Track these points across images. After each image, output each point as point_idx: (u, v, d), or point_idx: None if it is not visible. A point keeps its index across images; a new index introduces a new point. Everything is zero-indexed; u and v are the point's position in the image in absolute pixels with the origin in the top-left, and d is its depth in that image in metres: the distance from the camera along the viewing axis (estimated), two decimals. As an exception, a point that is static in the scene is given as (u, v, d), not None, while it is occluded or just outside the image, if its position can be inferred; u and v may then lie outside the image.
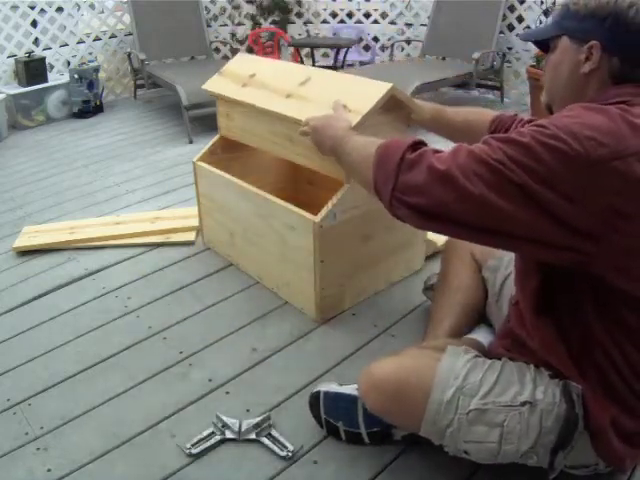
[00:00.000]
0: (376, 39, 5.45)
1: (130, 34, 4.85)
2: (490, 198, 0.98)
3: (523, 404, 1.13)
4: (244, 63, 2.27)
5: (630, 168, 0.95)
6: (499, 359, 1.24)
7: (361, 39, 5.48)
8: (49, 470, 1.40)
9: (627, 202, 0.96)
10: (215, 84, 2.24)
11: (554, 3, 4.19)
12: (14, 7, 4.40)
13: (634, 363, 1.10)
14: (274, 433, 1.47)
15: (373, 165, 1.16)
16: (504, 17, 4.56)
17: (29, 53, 4.40)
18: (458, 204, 1.00)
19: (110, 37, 4.95)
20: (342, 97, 1.74)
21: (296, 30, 5.56)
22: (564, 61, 1.15)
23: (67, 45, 4.76)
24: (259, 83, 2.07)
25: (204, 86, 2.27)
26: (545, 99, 1.24)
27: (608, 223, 0.96)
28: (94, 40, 4.88)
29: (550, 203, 0.96)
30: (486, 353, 1.32)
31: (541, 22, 4.49)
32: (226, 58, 5.28)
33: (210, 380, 1.69)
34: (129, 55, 4.80)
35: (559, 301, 1.12)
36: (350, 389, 1.44)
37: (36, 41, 4.62)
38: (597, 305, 1.08)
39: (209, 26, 5.22)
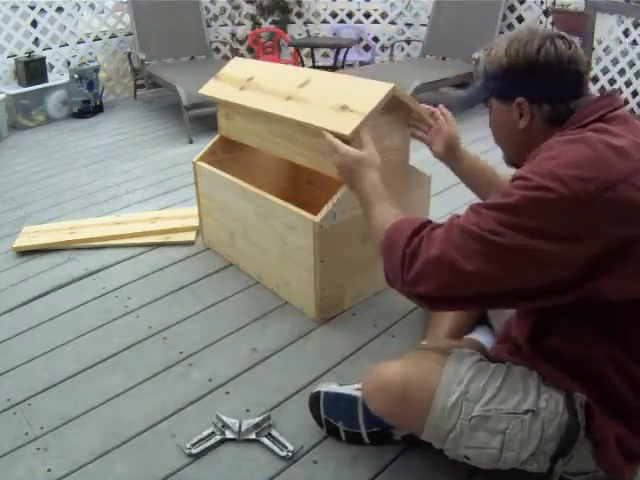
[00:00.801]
0: (376, 39, 5.46)
1: (130, 34, 4.85)
2: (489, 270, 1.00)
3: (526, 412, 1.12)
4: (240, 67, 2.27)
5: (622, 195, 0.96)
6: (503, 363, 1.23)
7: (361, 39, 5.48)
8: (49, 470, 1.40)
9: (628, 227, 0.96)
10: (212, 88, 2.24)
11: (554, 3, 4.19)
12: (14, 7, 4.41)
13: (636, 382, 1.09)
14: (274, 433, 1.47)
15: (381, 251, 1.20)
16: (504, 17, 4.57)
17: (29, 53, 4.41)
18: (461, 284, 1.03)
19: (110, 37, 4.96)
20: (343, 98, 1.74)
21: (296, 30, 5.56)
22: (500, 122, 1.19)
23: (67, 45, 4.76)
24: (258, 86, 2.07)
25: (201, 90, 2.27)
26: (505, 158, 1.28)
27: (614, 252, 0.96)
28: (94, 40, 4.88)
29: (548, 253, 0.97)
30: (488, 355, 1.32)
31: (541, 22, 4.50)
32: (226, 58, 5.27)
33: (210, 380, 1.69)
34: (129, 55, 4.80)
35: (557, 332, 1.14)
36: (350, 389, 1.44)
37: (36, 41, 4.62)
38: (595, 328, 1.08)
39: (209, 26, 5.22)
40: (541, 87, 1.10)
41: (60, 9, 4.66)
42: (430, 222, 1.16)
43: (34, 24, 4.58)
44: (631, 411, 1.11)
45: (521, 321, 1.24)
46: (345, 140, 1.59)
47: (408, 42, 5.24)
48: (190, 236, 2.51)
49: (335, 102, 1.75)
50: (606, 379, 1.10)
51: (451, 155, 1.63)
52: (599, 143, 1.00)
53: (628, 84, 4.09)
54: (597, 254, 0.96)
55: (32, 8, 4.49)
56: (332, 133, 1.60)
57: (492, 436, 1.14)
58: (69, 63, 4.76)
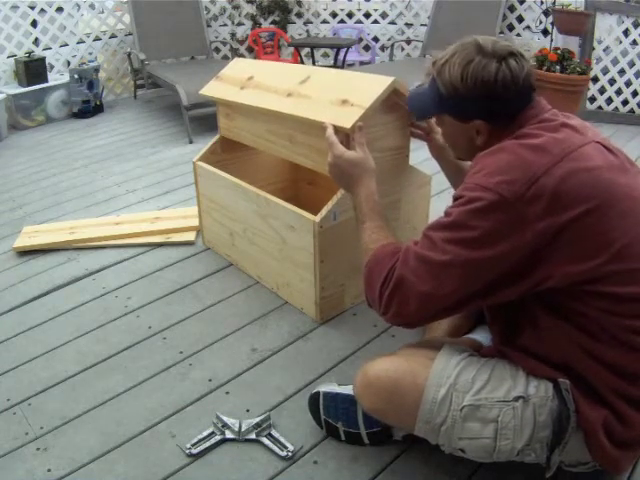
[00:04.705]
0: (376, 39, 5.46)
1: (130, 34, 4.86)
2: (442, 285, 1.10)
3: (516, 399, 1.13)
4: (241, 67, 2.28)
5: (546, 187, 1.03)
6: (493, 357, 1.24)
7: (361, 39, 5.48)
8: (49, 470, 1.40)
9: (557, 216, 1.03)
10: (213, 89, 2.24)
11: (554, 3, 4.19)
12: (14, 7, 4.41)
13: (609, 363, 1.10)
14: (274, 433, 1.47)
15: (363, 279, 1.30)
16: (504, 17, 4.57)
17: (29, 53, 4.41)
18: (423, 303, 1.13)
19: (110, 37, 4.96)
20: (343, 92, 1.74)
21: (296, 30, 5.57)
22: (458, 136, 1.28)
23: (67, 45, 4.76)
24: (258, 84, 2.07)
25: (202, 91, 2.27)
26: (454, 156, 1.42)
27: (549, 241, 1.04)
28: (94, 40, 4.89)
29: (492, 257, 1.06)
30: (481, 353, 1.32)
31: (541, 22, 4.50)
32: (226, 58, 5.28)
33: (210, 380, 1.69)
34: (129, 55, 4.81)
35: (523, 330, 1.17)
36: (349, 389, 1.43)
37: (36, 41, 4.62)
38: (552, 317, 1.11)
39: (209, 26, 5.22)
40: (499, 108, 1.18)
41: (60, 9, 4.66)
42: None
43: (34, 24, 4.59)
44: (612, 393, 1.11)
45: (492, 329, 1.29)
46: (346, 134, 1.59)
47: (408, 42, 5.24)
48: (190, 236, 2.51)
49: (335, 97, 1.75)
50: (580, 364, 1.12)
51: (445, 156, 1.66)
52: (517, 147, 1.10)
53: (628, 84, 4.09)
54: (535, 246, 1.04)
55: (32, 8, 4.49)
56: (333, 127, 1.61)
57: (484, 425, 1.15)
58: (69, 63, 4.77)
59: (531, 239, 1.03)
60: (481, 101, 1.17)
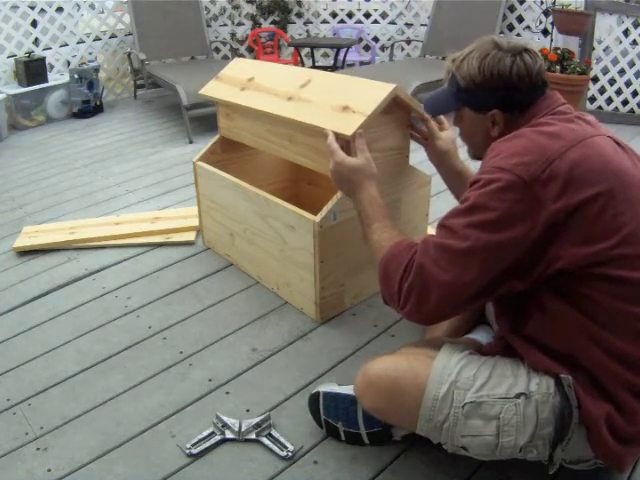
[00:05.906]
0: (376, 39, 5.46)
1: (130, 34, 4.86)
2: (465, 272, 1.11)
3: (518, 396, 1.14)
4: (241, 67, 2.27)
5: (559, 170, 1.07)
6: (494, 355, 1.24)
7: (361, 39, 5.48)
8: (49, 470, 1.40)
9: (569, 197, 1.06)
10: (213, 89, 2.24)
11: (554, 3, 4.19)
12: (14, 7, 4.41)
13: (615, 352, 1.10)
14: (274, 433, 1.47)
15: (379, 278, 1.29)
16: (504, 17, 4.57)
17: (29, 53, 4.40)
18: (446, 294, 1.13)
19: (110, 37, 4.96)
20: (345, 98, 1.74)
21: (296, 30, 5.57)
22: (475, 129, 1.32)
23: (67, 45, 4.76)
24: (259, 86, 2.07)
25: (202, 91, 2.27)
26: (471, 154, 1.41)
27: (561, 222, 1.06)
28: (94, 40, 4.89)
29: (511, 238, 1.08)
30: (481, 351, 1.32)
31: (541, 22, 4.50)
32: (226, 58, 5.28)
33: (210, 380, 1.69)
34: (129, 55, 4.80)
35: (530, 318, 1.18)
36: (349, 389, 1.44)
37: (36, 41, 4.62)
38: (560, 303, 1.12)
39: (209, 26, 5.22)
40: (514, 99, 1.24)
41: (60, 9, 4.66)
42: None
43: (34, 24, 4.58)
44: (616, 384, 1.11)
45: (499, 320, 1.29)
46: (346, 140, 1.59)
47: (408, 42, 5.24)
48: (190, 236, 2.51)
49: (336, 102, 1.75)
50: (585, 353, 1.12)
51: (445, 161, 1.68)
52: (533, 133, 1.15)
53: (628, 84, 4.09)
54: (548, 228, 1.07)
55: (32, 8, 4.49)
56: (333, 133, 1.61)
57: (487, 422, 1.15)
58: (69, 63, 4.77)
59: (545, 220, 1.06)
60: (497, 92, 1.23)
